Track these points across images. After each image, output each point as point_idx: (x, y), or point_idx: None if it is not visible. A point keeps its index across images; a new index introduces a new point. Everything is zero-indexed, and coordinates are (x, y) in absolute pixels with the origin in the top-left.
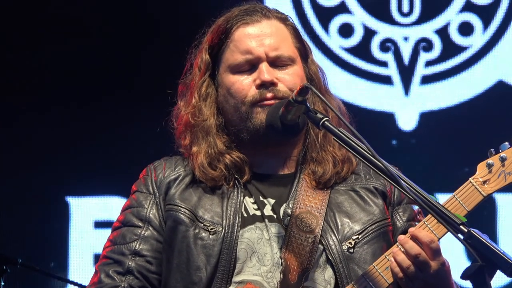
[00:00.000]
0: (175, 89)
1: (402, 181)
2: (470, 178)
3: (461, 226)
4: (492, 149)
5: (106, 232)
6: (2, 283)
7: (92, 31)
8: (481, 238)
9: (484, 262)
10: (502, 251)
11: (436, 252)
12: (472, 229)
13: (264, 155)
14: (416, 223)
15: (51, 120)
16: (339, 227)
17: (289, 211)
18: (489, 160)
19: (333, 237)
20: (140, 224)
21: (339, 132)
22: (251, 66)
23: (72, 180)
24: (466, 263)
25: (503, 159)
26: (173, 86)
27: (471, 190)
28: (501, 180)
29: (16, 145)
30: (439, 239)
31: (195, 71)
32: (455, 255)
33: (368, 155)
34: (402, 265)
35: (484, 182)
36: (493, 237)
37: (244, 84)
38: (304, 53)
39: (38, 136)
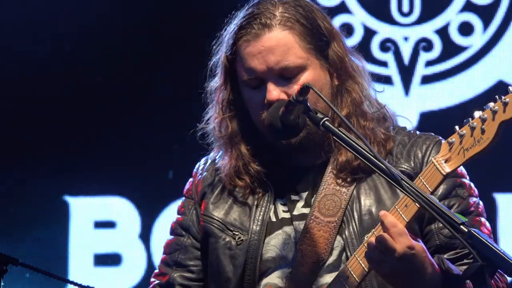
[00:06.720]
0: (173, 91)
1: (403, 182)
2: (432, 158)
3: (461, 226)
4: (456, 126)
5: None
6: (2, 283)
7: (99, 30)
8: (481, 238)
9: (484, 262)
10: (502, 251)
11: (399, 236)
12: (472, 229)
13: (291, 151)
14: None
15: (50, 119)
16: (362, 216)
17: (314, 197)
18: (450, 139)
19: (354, 225)
20: (183, 232)
21: (339, 132)
22: (259, 81)
23: (72, 180)
24: None
25: (461, 136)
26: (169, 88)
27: (433, 170)
28: (460, 157)
29: (15, 144)
30: (407, 222)
31: (218, 76)
32: None
33: (369, 155)
34: (369, 248)
35: (445, 161)
36: (493, 237)
37: (257, 103)
38: (321, 49)
39: (37, 135)
